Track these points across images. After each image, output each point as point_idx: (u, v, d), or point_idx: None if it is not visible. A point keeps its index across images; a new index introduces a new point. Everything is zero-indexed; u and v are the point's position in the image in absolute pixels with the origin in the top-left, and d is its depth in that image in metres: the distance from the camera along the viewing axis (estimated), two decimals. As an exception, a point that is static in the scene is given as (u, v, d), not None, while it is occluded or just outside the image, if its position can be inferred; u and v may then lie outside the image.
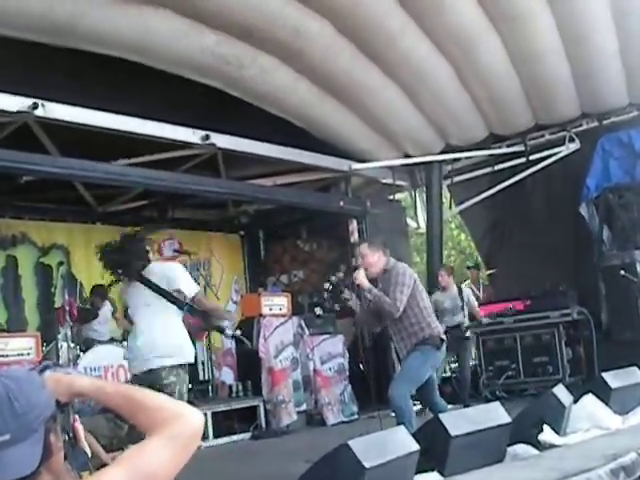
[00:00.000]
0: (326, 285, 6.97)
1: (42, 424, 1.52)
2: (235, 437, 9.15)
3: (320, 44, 8.87)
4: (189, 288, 5.92)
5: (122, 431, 5.18)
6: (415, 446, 4.45)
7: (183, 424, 1.65)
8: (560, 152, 11.85)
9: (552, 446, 5.36)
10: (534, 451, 5.30)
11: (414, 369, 6.46)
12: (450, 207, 13.39)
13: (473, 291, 12.58)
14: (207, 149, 9.57)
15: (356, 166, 11.41)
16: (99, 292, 9.83)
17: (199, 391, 9.98)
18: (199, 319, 6.14)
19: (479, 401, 9.51)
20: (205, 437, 8.44)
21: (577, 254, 11.41)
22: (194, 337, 7.99)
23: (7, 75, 7.23)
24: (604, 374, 6.53)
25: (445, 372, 11.02)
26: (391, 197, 12.60)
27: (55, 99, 7.87)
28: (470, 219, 14.26)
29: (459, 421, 4.99)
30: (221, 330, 6.28)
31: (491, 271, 13.21)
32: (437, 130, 11.36)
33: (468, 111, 10.94)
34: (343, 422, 9.86)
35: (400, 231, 12.17)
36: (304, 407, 9.89)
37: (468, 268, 13.89)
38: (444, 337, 6.79)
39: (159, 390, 4.69)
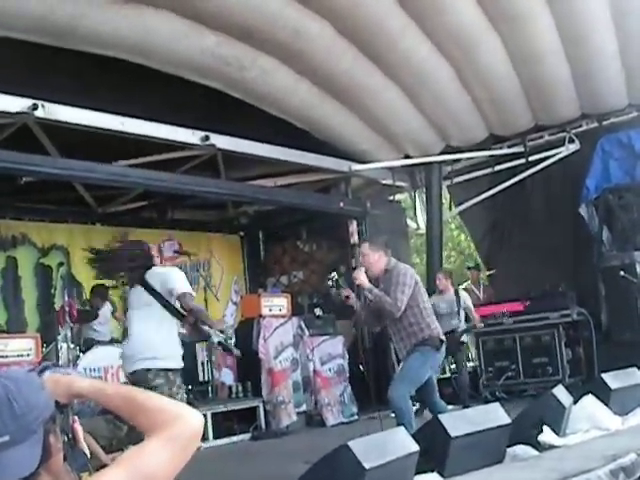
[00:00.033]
0: (328, 281, 6.96)
1: (41, 425, 1.52)
2: (235, 438, 9.14)
3: (320, 45, 8.87)
4: (180, 285, 5.93)
5: (121, 432, 5.17)
6: (415, 447, 4.45)
7: (182, 425, 1.65)
8: (560, 153, 11.85)
9: (552, 447, 5.36)
10: (534, 452, 5.30)
11: (413, 370, 6.46)
12: (450, 208, 13.39)
13: (473, 292, 12.60)
14: (207, 150, 9.57)
15: (356, 167, 11.41)
16: (99, 292, 9.83)
17: (199, 392, 9.98)
18: (188, 328, 6.11)
19: (479, 402, 9.51)
20: (205, 438, 8.44)
21: (577, 255, 11.41)
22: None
23: (8, 76, 7.23)
24: (604, 375, 6.54)
25: (445, 373, 11.00)
26: (391, 198, 12.60)
27: (55, 100, 7.88)
28: (470, 220, 14.26)
29: (459, 422, 4.99)
30: (205, 338, 6.18)
31: (491, 272, 13.21)
32: (437, 131, 11.36)
33: (468, 112, 10.95)
34: (343, 423, 9.86)
35: (400, 232, 12.17)
36: (304, 408, 9.89)
37: (468, 269, 13.88)
38: (444, 338, 6.80)
39: None
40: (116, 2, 7.41)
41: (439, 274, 10.88)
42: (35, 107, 7.68)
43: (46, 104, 7.79)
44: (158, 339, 5.87)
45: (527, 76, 10.27)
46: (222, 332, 6.10)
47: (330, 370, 10.30)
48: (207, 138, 9.32)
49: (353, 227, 11.71)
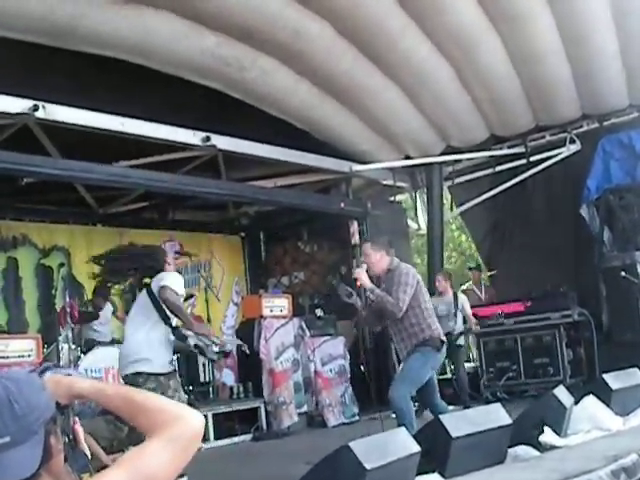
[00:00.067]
0: (333, 282, 7.00)
1: (42, 426, 1.52)
2: (236, 438, 9.15)
3: (320, 46, 8.87)
4: (167, 281, 5.93)
5: (122, 433, 5.17)
6: (416, 447, 4.45)
7: (183, 426, 1.65)
8: (561, 153, 11.85)
9: (553, 447, 5.36)
10: (535, 452, 5.30)
11: (414, 370, 6.46)
12: (451, 208, 13.39)
13: (475, 292, 12.60)
14: (208, 151, 9.57)
15: (357, 167, 11.41)
16: (102, 292, 9.85)
17: (200, 393, 9.98)
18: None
19: (480, 402, 9.50)
20: (206, 438, 8.44)
21: (578, 255, 11.40)
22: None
23: (8, 76, 7.23)
24: (605, 375, 6.53)
25: (446, 373, 11.00)
26: (392, 198, 12.60)
27: (56, 101, 7.88)
28: (471, 220, 14.26)
29: (460, 422, 4.99)
30: (181, 340, 6.07)
31: (492, 272, 13.20)
32: (438, 131, 11.36)
33: (469, 112, 10.94)
34: (344, 424, 9.86)
35: (401, 232, 12.17)
36: (305, 409, 9.89)
37: (470, 269, 13.87)
38: (444, 339, 6.80)
39: None
40: (116, 2, 7.41)
41: (438, 276, 10.88)
42: (36, 108, 7.68)
43: (47, 105, 7.79)
44: (147, 343, 5.89)
45: (528, 76, 10.26)
46: (205, 336, 6.02)
47: (331, 371, 10.30)
48: (208, 139, 9.32)
49: (354, 228, 11.71)
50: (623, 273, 10.06)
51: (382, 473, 4.08)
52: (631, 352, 8.67)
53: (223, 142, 9.57)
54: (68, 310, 9.20)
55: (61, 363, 8.60)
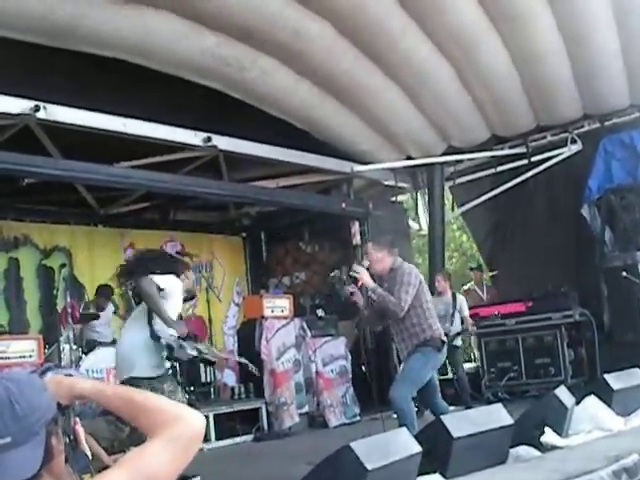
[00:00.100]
0: (331, 277, 6.97)
1: (43, 427, 1.52)
2: (237, 439, 9.15)
3: (321, 45, 8.87)
4: (156, 276, 5.87)
5: (123, 433, 5.16)
6: (417, 448, 4.45)
7: (183, 426, 1.65)
8: (562, 153, 11.84)
9: (554, 448, 5.35)
10: (536, 453, 5.30)
11: (415, 371, 6.46)
12: (452, 209, 13.38)
13: (477, 293, 12.60)
14: (209, 151, 9.57)
15: (358, 168, 11.41)
16: (104, 292, 9.87)
17: (201, 393, 9.99)
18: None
19: (481, 403, 9.50)
20: (207, 439, 8.44)
21: (579, 255, 11.39)
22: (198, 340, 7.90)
23: (8, 77, 7.24)
24: (606, 376, 6.53)
25: (447, 374, 10.99)
26: (393, 199, 12.59)
27: (56, 101, 7.88)
28: (472, 221, 14.25)
29: (461, 423, 4.99)
30: (171, 352, 5.97)
31: (493, 273, 13.20)
32: (439, 132, 11.35)
33: (470, 112, 10.94)
34: (345, 424, 9.86)
35: (402, 233, 12.16)
36: (306, 409, 9.89)
37: (471, 269, 13.85)
38: (445, 339, 6.80)
39: None
40: (116, 2, 7.41)
41: (438, 276, 10.87)
42: (37, 108, 7.68)
43: (47, 105, 7.79)
44: (131, 347, 5.86)
45: (528, 76, 10.26)
46: (183, 339, 5.90)
47: (332, 371, 10.30)
48: (209, 139, 9.32)
49: (355, 228, 11.72)
50: (624, 273, 10.06)
51: (383, 473, 4.08)
52: (632, 352, 8.66)
53: (224, 142, 9.57)
54: (69, 311, 9.21)
55: (62, 364, 8.61)
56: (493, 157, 12.20)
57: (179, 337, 5.85)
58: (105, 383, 5.35)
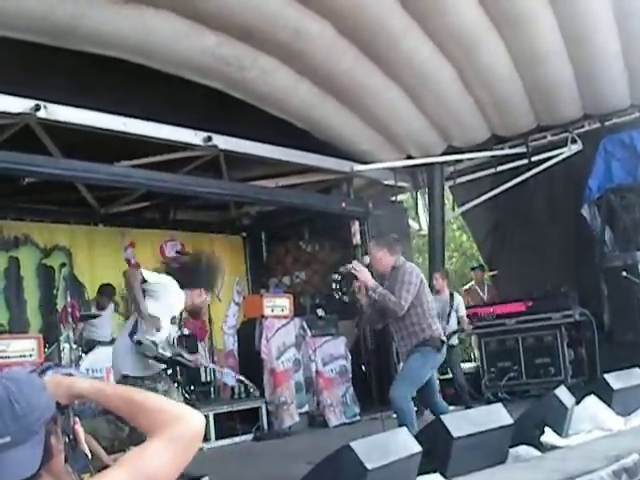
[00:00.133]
0: (335, 276, 6.94)
1: (42, 426, 1.52)
2: (237, 438, 9.15)
3: (321, 45, 8.87)
4: (147, 272, 5.84)
5: (123, 433, 5.15)
6: (417, 447, 4.45)
7: (183, 426, 1.65)
8: (562, 153, 11.84)
9: (554, 447, 5.36)
10: (536, 452, 5.30)
11: (414, 370, 6.47)
12: (453, 208, 13.38)
13: (477, 292, 12.60)
14: (209, 151, 9.58)
15: (358, 167, 11.41)
16: (106, 292, 9.87)
17: (201, 392, 9.99)
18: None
19: (481, 402, 9.50)
20: (207, 438, 8.44)
21: (579, 255, 11.40)
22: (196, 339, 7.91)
23: (9, 76, 7.24)
24: (606, 375, 6.54)
25: (447, 373, 10.99)
26: (393, 198, 12.59)
27: (57, 101, 7.88)
28: (472, 220, 14.25)
29: (461, 422, 4.99)
30: (180, 364, 5.90)
31: (493, 272, 13.20)
32: (439, 132, 11.35)
33: (470, 113, 10.94)
34: (345, 424, 9.85)
35: (402, 232, 12.12)
36: (306, 408, 9.89)
37: (472, 269, 13.84)
38: (445, 339, 6.81)
39: None
40: (116, 2, 7.41)
41: (436, 274, 10.84)
42: (37, 108, 7.68)
43: (48, 105, 7.79)
44: (117, 347, 5.85)
45: (529, 77, 10.26)
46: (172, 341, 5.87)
47: (332, 371, 10.30)
48: (209, 139, 9.32)
49: (355, 227, 11.72)
50: (624, 273, 10.06)
51: (383, 473, 4.08)
52: (632, 352, 8.66)
53: (225, 142, 9.57)
54: (69, 310, 9.21)
55: (62, 363, 8.62)
56: (493, 157, 12.20)
57: (180, 336, 5.83)
58: (105, 382, 5.35)
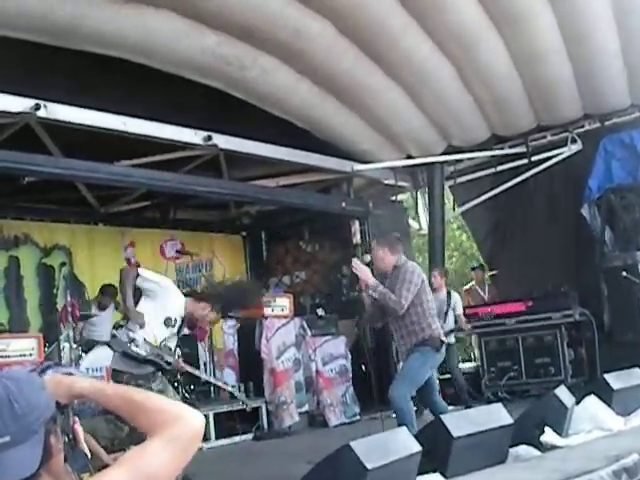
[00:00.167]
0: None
1: (42, 426, 1.52)
2: (237, 438, 9.15)
3: (321, 45, 8.86)
4: (145, 270, 5.94)
5: (123, 432, 5.16)
6: (417, 447, 4.45)
7: (183, 426, 1.65)
8: (562, 153, 11.84)
9: (554, 447, 5.36)
10: (536, 452, 5.30)
11: (414, 370, 6.48)
12: (454, 208, 13.38)
13: (478, 292, 12.59)
14: (209, 150, 9.57)
15: (358, 167, 11.40)
16: (108, 292, 9.86)
17: (201, 392, 9.98)
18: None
19: (481, 402, 9.50)
20: (207, 438, 8.45)
21: (579, 255, 11.39)
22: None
23: (9, 75, 7.23)
24: (606, 375, 6.54)
25: (447, 373, 10.98)
26: (393, 198, 12.59)
27: (57, 100, 7.88)
28: (472, 220, 14.25)
29: (461, 422, 4.99)
30: (156, 364, 5.76)
31: (493, 272, 13.19)
32: (439, 131, 11.35)
33: (470, 112, 10.93)
34: (345, 423, 9.86)
35: (402, 232, 12.08)
36: (306, 408, 9.89)
37: (473, 269, 13.83)
38: (444, 339, 6.82)
39: None
40: (116, 2, 7.41)
41: (435, 271, 10.81)
42: (37, 107, 7.68)
43: (48, 104, 7.78)
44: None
45: (529, 75, 10.25)
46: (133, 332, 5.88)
47: (332, 370, 10.29)
48: (210, 138, 9.31)
49: (355, 227, 11.72)
50: (624, 273, 10.06)
51: (383, 473, 4.08)
52: (632, 352, 8.66)
53: (225, 141, 9.56)
54: (69, 309, 9.21)
55: (62, 362, 8.61)
56: (493, 156, 12.19)
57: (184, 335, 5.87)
58: (105, 382, 5.36)
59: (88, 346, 9.21)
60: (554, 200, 12.19)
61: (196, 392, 9.62)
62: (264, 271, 13.22)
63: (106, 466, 1.60)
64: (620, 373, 6.65)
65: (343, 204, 11.34)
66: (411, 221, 13.07)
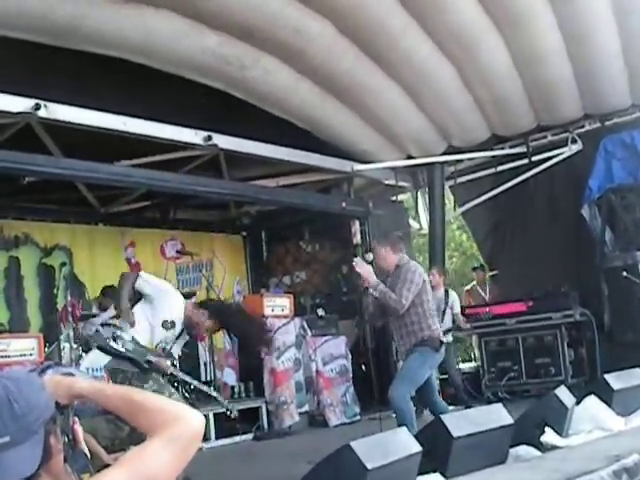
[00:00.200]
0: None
1: (42, 426, 1.52)
2: (237, 438, 9.15)
3: (321, 44, 8.86)
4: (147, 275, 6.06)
5: (123, 432, 5.15)
6: (417, 447, 4.45)
7: (183, 426, 1.65)
8: (562, 153, 11.84)
9: (554, 447, 5.36)
10: (536, 452, 5.30)
11: (413, 370, 6.49)
12: (454, 208, 13.38)
13: (479, 293, 12.59)
14: (209, 150, 9.57)
15: (358, 167, 11.40)
16: (109, 293, 9.85)
17: (201, 392, 9.96)
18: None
19: (481, 402, 9.50)
20: (207, 438, 8.44)
21: (579, 255, 11.39)
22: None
23: (9, 75, 7.23)
24: (606, 375, 6.54)
25: (446, 373, 10.99)
26: (393, 198, 12.59)
27: (57, 100, 7.88)
28: (472, 220, 14.25)
29: (461, 422, 4.99)
30: (134, 361, 5.77)
31: (493, 272, 13.19)
32: (439, 131, 11.35)
33: (470, 112, 10.93)
34: (345, 423, 9.85)
35: (402, 232, 12.13)
36: (306, 408, 9.89)
37: (474, 269, 13.83)
38: (444, 339, 6.83)
39: None
40: (116, 2, 7.41)
41: (433, 270, 10.79)
42: (38, 107, 7.68)
43: (49, 104, 7.78)
44: None
45: (529, 75, 10.25)
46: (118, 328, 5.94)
47: (332, 370, 10.29)
48: (210, 138, 9.31)
49: (355, 227, 11.72)
50: (625, 273, 10.06)
51: (383, 473, 4.08)
52: (633, 352, 8.67)
53: (225, 141, 9.56)
54: (70, 309, 9.21)
55: (63, 362, 8.61)
56: (493, 157, 12.19)
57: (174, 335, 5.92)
58: (104, 383, 5.35)
59: (88, 346, 9.20)
60: (554, 200, 12.19)
61: (196, 392, 9.60)
62: (264, 271, 13.22)
63: (107, 466, 1.60)
64: (620, 373, 6.65)
65: (343, 204, 11.34)
66: (411, 221, 13.07)
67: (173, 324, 5.90)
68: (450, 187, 12.95)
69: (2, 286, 10.16)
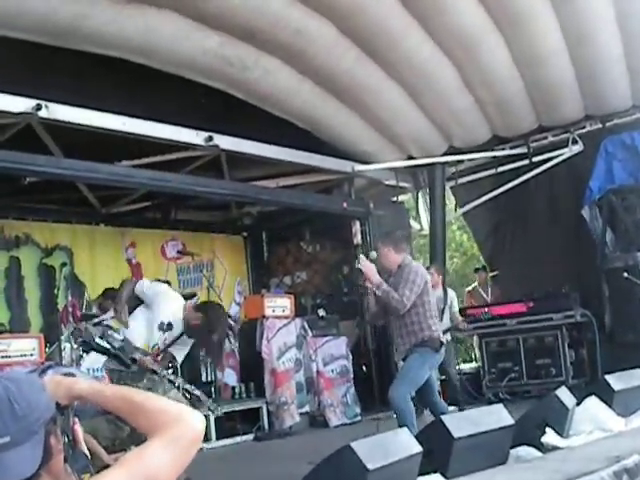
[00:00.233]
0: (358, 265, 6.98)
1: (42, 426, 1.52)
2: (238, 438, 9.14)
3: (322, 45, 8.86)
4: (147, 282, 6.25)
5: (124, 432, 5.16)
6: (418, 448, 4.45)
7: (184, 427, 1.65)
8: (563, 154, 11.83)
9: (555, 448, 5.36)
10: (537, 453, 5.30)
11: (413, 370, 6.50)
12: (455, 209, 13.38)
13: (480, 293, 12.58)
14: (210, 150, 9.57)
15: (359, 168, 11.40)
16: (111, 295, 9.84)
17: (202, 392, 9.96)
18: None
19: (482, 403, 9.50)
20: (208, 438, 8.44)
21: (580, 256, 11.38)
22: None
23: (10, 76, 7.23)
24: (607, 376, 6.54)
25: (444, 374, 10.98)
26: (394, 199, 12.58)
27: (58, 100, 7.88)
28: (473, 221, 14.24)
29: (462, 423, 4.99)
30: (119, 359, 5.78)
31: (494, 273, 13.19)
32: (441, 132, 11.34)
33: (471, 113, 10.93)
34: (346, 424, 9.85)
35: (403, 233, 12.15)
36: (307, 409, 9.89)
37: (476, 270, 13.82)
38: (444, 340, 6.84)
39: None
40: (118, 2, 7.41)
41: (431, 269, 10.74)
42: (39, 107, 7.68)
43: (49, 104, 7.78)
44: None
45: (530, 77, 10.25)
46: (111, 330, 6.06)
47: (333, 371, 10.29)
48: (211, 139, 9.31)
49: (356, 228, 11.72)
50: (626, 274, 10.06)
51: (384, 473, 4.08)
52: (633, 353, 8.67)
53: (226, 142, 9.57)
54: (70, 310, 9.21)
55: (63, 362, 8.61)
56: (494, 157, 12.19)
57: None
58: (104, 383, 5.36)
59: (87, 346, 9.19)
60: (555, 201, 12.19)
61: (182, 391, 9.60)
62: (265, 271, 13.22)
63: (107, 467, 1.60)
64: (621, 374, 6.65)
65: (344, 205, 11.34)
66: (412, 222, 13.07)
67: (170, 326, 5.93)
68: (451, 188, 12.94)
69: (3, 286, 10.16)
